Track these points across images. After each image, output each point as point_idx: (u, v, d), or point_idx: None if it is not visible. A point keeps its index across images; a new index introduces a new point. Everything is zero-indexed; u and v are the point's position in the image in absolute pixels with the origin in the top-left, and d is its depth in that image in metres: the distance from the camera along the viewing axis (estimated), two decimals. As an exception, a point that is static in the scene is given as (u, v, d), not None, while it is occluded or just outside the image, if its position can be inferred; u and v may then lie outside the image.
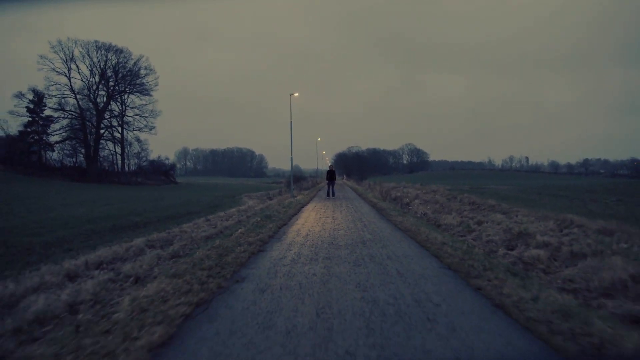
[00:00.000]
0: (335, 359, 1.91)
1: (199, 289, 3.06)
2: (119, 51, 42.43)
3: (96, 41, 41.21)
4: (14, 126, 39.21)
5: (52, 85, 39.51)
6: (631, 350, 1.85)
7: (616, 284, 3.44)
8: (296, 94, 18.21)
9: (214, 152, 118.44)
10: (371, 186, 25.17)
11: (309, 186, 28.50)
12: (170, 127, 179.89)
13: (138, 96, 44.81)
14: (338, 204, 12.77)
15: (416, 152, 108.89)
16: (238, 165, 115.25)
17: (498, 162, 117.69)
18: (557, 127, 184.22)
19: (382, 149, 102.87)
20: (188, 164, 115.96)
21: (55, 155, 42.36)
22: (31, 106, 39.08)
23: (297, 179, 28.79)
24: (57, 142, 41.72)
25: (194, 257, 4.29)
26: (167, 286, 3.10)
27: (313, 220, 8.03)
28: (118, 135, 45.14)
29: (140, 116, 45.14)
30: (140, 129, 45.53)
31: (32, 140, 40.22)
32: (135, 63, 43.59)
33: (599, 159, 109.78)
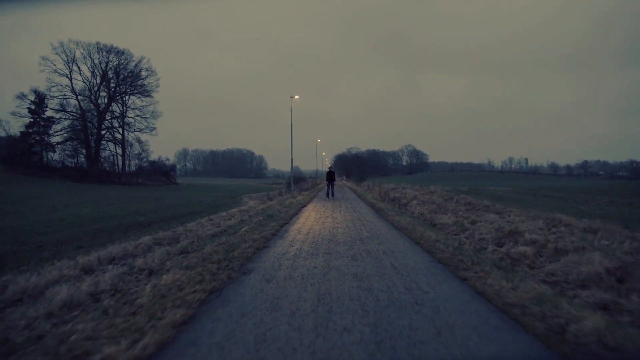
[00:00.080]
0: (334, 334, 2.22)
1: (211, 279, 3.37)
2: (120, 53, 42.84)
3: (97, 43, 41.63)
4: (16, 127, 39.57)
5: (54, 86, 39.91)
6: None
7: (592, 277, 3.76)
8: (296, 97, 18.56)
9: (213, 153, 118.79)
10: (370, 187, 25.49)
11: (308, 187, 28.81)
12: (170, 128, 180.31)
13: (139, 97, 45.22)
14: (337, 204, 13.09)
15: (415, 154, 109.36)
16: (238, 166, 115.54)
17: (497, 163, 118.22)
18: (557, 128, 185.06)
19: (381, 150, 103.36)
20: (188, 164, 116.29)
21: (56, 156, 42.67)
22: (33, 107, 39.37)
23: (297, 180, 29.11)
24: (58, 143, 42.02)
25: (203, 252, 4.60)
26: (182, 276, 3.42)
27: (313, 219, 8.35)
28: (119, 136, 45.49)
29: (141, 117, 45.53)
30: (141, 130, 45.91)
31: (33, 140, 40.49)
32: (136, 64, 44.01)
33: (599, 161, 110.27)
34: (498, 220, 7.57)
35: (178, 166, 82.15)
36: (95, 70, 42.25)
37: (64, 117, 41.74)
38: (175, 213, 15.39)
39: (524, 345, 2.10)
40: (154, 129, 45.99)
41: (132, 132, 45.89)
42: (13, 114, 38.01)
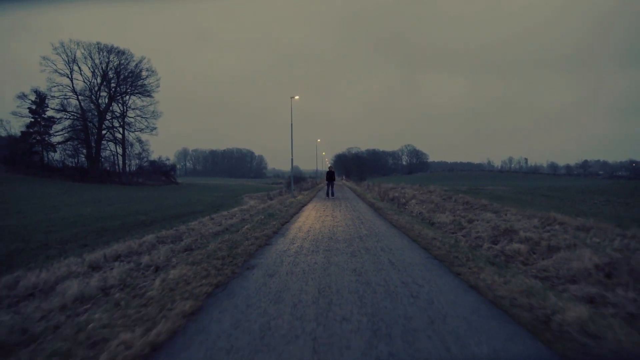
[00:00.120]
0: (334, 323, 2.38)
1: (216, 273, 3.53)
2: (120, 53, 42.97)
3: (98, 43, 41.75)
4: (17, 127, 39.68)
5: (55, 86, 40.03)
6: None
7: (582, 272, 3.92)
8: (297, 97, 18.70)
9: (213, 153, 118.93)
10: (370, 187, 25.65)
11: (308, 187, 28.96)
12: (170, 128, 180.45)
13: (139, 97, 45.36)
14: (337, 203, 13.24)
15: (415, 153, 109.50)
16: (237, 166, 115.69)
17: (497, 163, 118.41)
18: (557, 128, 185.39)
19: (381, 150, 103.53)
20: (188, 164, 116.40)
21: (57, 155, 42.78)
22: (33, 107, 39.49)
23: (297, 179, 29.27)
24: (59, 143, 42.14)
25: (207, 249, 4.75)
26: (188, 272, 3.57)
27: (314, 218, 8.51)
28: (119, 136, 45.62)
29: (142, 117, 45.66)
30: (141, 130, 46.05)
31: (34, 140, 40.61)
32: (136, 65, 44.15)
33: (598, 161, 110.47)
34: (495, 219, 7.72)
35: (178, 166, 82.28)
36: (96, 70, 42.42)
37: (65, 117, 41.89)
38: (177, 212, 15.54)
39: (510, 332, 2.25)
40: (155, 128, 46.19)
41: (132, 131, 46.08)
42: (14, 113, 38.17)
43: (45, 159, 41.64)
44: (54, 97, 40.48)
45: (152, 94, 45.44)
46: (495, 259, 4.69)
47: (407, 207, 11.67)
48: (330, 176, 17.15)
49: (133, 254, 6.03)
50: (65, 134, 42.03)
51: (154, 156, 49.89)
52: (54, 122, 41.43)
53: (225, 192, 32.50)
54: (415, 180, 39.28)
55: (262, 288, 3.15)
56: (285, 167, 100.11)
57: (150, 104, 45.57)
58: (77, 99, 41.87)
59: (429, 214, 9.48)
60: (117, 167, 46.03)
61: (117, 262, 5.34)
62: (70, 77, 40.87)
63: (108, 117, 44.46)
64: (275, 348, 2.05)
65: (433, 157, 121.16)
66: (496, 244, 5.57)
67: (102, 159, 44.54)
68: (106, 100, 43.79)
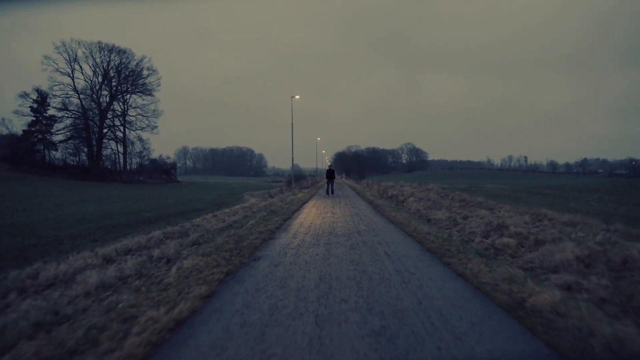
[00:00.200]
0: (334, 303, 2.70)
1: (226, 263, 3.84)
2: (121, 52, 43.18)
3: (99, 42, 41.97)
4: (18, 125, 39.94)
5: (56, 85, 40.28)
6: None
7: (564, 263, 4.24)
8: (297, 97, 18.99)
9: (213, 151, 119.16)
10: (369, 185, 25.96)
11: (308, 185, 29.29)
12: (170, 127, 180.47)
13: (140, 96, 45.62)
14: (337, 201, 13.56)
15: (415, 152, 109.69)
16: (238, 164, 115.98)
17: (497, 161, 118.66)
18: (557, 127, 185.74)
19: (381, 148, 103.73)
20: (188, 162, 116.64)
21: (58, 154, 43.09)
22: (35, 106, 39.75)
23: (297, 178, 29.58)
24: (60, 142, 42.41)
25: (215, 242, 5.07)
26: (200, 262, 3.89)
27: (314, 214, 8.83)
28: (120, 134, 45.90)
29: (143, 116, 45.94)
30: (142, 129, 46.33)
31: (36, 139, 40.88)
32: (137, 63, 44.37)
33: (598, 159, 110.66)
34: (488, 216, 8.02)
35: (178, 164, 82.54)
36: (97, 69, 42.66)
37: (66, 115, 42.17)
38: (180, 210, 15.86)
39: (488, 310, 2.57)
40: (156, 127, 46.47)
41: (133, 130, 46.36)
42: (16, 112, 38.43)
43: (47, 157, 41.95)
44: (56, 96, 40.78)
45: (153, 93, 45.75)
46: (485, 251, 5.00)
47: (405, 204, 11.98)
48: (330, 174, 17.46)
49: (143, 248, 6.34)
50: (67, 133, 42.34)
51: (154, 155, 50.27)
52: (56, 121, 41.73)
53: (226, 190, 32.82)
54: (415, 179, 39.59)
55: (268, 276, 3.47)
56: (285, 166, 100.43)
57: (151, 103, 45.88)
58: (79, 98, 42.17)
59: (426, 211, 9.79)
60: (118, 165, 46.34)
61: (128, 255, 5.65)
62: (71, 76, 41.16)
63: (109, 116, 44.74)
64: (283, 323, 2.36)
65: (433, 155, 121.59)
66: (487, 238, 5.88)
67: (104, 158, 44.83)
68: (107, 99, 44.06)
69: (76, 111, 42.44)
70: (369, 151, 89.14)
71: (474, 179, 55.71)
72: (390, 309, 2.57)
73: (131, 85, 44.74)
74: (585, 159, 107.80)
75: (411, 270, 3.60)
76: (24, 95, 38.57)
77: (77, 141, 43.17)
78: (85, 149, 43.42)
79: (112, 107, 44.57)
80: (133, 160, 48.33)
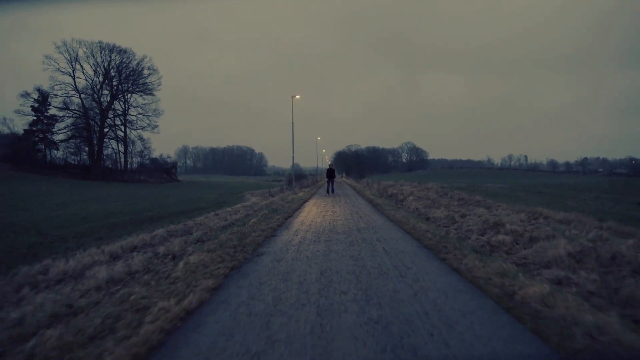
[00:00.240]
0: (334, 295, 2.86)
1: (230, 259, 4.01)
2: (122, 51, 43.30)
3: (100, 42, 42.09)
4: (20, 125, 40.11)
5: (57, 84, 40.43)
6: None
7: (556, 259, 4.40)
8: (298, 97, 19.14)
9: (213, 151, 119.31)
10: (369, 184, 26.12)
11: (309, 184, 29.46)
12: (170, 127, 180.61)
13: (141, 95, 45.72)
14: (337, 200, 13.72)
15: (415, 151, 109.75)
16: (238, 163, 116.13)
17: (497, 161, 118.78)
18: (557, 127, 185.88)
19: (381, 147, 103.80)
20: (188, 162, 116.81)
21: (59, 153, 43.24)
22: (36, 105, 39.89)
23: (297, 177, 29.74)
24: (61, 141, 42.55)
25: (219, 239, 5.23)
26: (205, 258, 4.05)
27: (315, 213, 8.99)
28: (121, 134, 46.03)
29: (143, 115, 46.05)
30: (143, 128, 46.46)
31: (37, 138, 41.04)
32: (138, 63, 44.50)
33: (598, 158, 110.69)
34: (486, 214, 8.18)
35: (178, 163, 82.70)
36: (98, 69, 42.79)
37: (67, 115, 42.30)
38: (181, 209, 16.01)
39: (479, 301, 2.73)
40: (156, 126, 46.60)
41: (134, 129, 46.49)
42: (17, 112, 38.56)
43: (48, 157, 42.12)
44: (57, 95, 40.93)
45: (154, 92, 45.87)
46: (480, 248, 5.16)
47: (404, 203, 12.13)
48: (330, 173, 17.62)
49: (147, 245, 6.50)
50: (68, 132, 42.47)
51: (155, 154, 50.41)
52: (57, 120, 41.86)
53: (226, 190, 32.99)
54: (415, 178, 39.74)
55: (271, 270, 3.63)
56: (285, 165, 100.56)
57: (152, 102, 46.00)
58: (80, 97, 42.31)
59: (425, 209, 9.94)
60: (119, 164, 46.50)
61: (134, 252, 5.81)
62: (72, 75, 41.30)
63: (110, 115, 44.88)
64: (287, 312, 2.52)
65: (433, 154, 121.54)
66: (484, 236, 6.04)
67: (104, 157, 44.98)
68: (108, 98, 44.20)
69: (77, 110, 42.61)
70: (369, 150, 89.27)
71: (474, 178, 55.84)
72: (387, 300, 2.73)
73: (132, 84, 44.88)
74: (586, 158, 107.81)
75: (408, 265, 3.76)
76: (25, 94, 38.74)
77: (78, 140, 43.32)
78: (86, 149, 43.58)
79: (113, 106, 44.73)
80: (134, 159, 48.52)
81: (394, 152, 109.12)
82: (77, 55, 40.76)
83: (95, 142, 43.23)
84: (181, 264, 3.75)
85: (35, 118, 40.15)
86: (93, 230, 9.48)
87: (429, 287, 3.04)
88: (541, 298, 2.89)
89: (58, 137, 42.33)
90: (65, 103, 41.65)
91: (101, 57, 42.44)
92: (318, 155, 52.83)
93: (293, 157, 19.59)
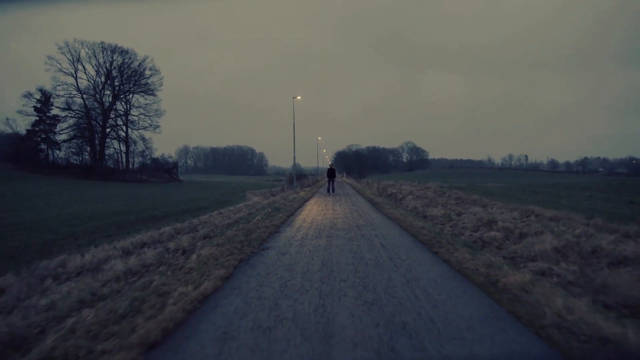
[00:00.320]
0: (335, 282, 3.18)
1: (238, 252, 4.33)
2: (124, 52, 43.69)
3: (102, 42, 42.48)
4: (22, 125, 40.49)
5: (59, 85, 40.84)
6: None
7: (542, 253, 4.71)
8: (298, 97, 19.46)
9: (214, 150, 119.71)
10: (369, 184, 26.44)
11: (309, 183, 29.78)
12: (171, 127, 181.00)
13: (143, 96, 46.13)
14: (337, 199, 14.04)
15: (416, 151, 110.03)
16: (238, 163, 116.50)
17: (497, 160, 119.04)
18: (557, 127, 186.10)
19: (381, 147, 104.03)
20: (189, 161, 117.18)
21: (61, 153, 43.66)
22: (38, 106, 40.27)
23: (298, 176, 30.07)
24: (63, 141, 42.97)
25: (226, 235, 5.55)
26: (215, 251, 4.37)
27: (316, 211, 9.31)
28: (123, 134, 46.44)
29: (145, 115, 46.47)
30: (144, 128, 46.87)
31: (39, 139, 41.42)
32: (140, 63, 44.89)
33: (598, 158, 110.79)
34: (481, 212, 8.48)
35: (179, 163, 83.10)
36: (100, 69, 43.19)
37: (69, 115, 42.72)
38: (184, 208, 16.34)
39: (465, 288, 3.04)
40: (158, 126, 47.01)
41: (136, 129, 46.90)
42: (19, 112, 38.96)
43: (51, 156, 42.53)
44: (59, 95, 41.34)
45: (156, 93, 46.24)
46: (473, 244, 5.46)
47: (403, 202, 12.45)
48: (330, 173, 17.94)
49: (157, 242, 6.81)
50: (70, 132, 42.89)
51: (156, 154, 50.78)
52: (59, 121, 42.28)
53: (228, 189, 33.34)
54: (415, 178, 40.00)
55: (277, 262, 3.95)
56: (286, 165, 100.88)
57: (154, 102, 46.41)
58: (82, 98, 42.71)
59: (423, 208, 10.25)
60: (120, 164, 46.88)
61: (144, 248, 6.13)
62: (74, 76, 41.69)
63: (112, 116, 45.27)
64: (292, 296, 2.84)
65: (433, 154, 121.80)
66: (476, 232, 6.35)
67: (106, 157, 45.38)
68: (110, 98, 44.59)
69: (79, 111, 42.99)
70: (370, 150, 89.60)
71: (474, 178, 56.14)
72: (382, 286, 3.05)
73: (134, 85, 45.26)
74: (586, 158, 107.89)
75: (403, 257, 4.08)
76: (28, 95, 39.14)
77: (80, 140, 43.72)
78: (88, 149, 43.98)
79: (114, 106, 45.11)
80: (135, 159, 48.94)
81: (394, 152, 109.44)
82: (79, 55, 41.19)
83: (97, 142, 43.61)
84: (194, 257, 4.07)
85: (37, 118, 40.57)
86: (101, 228, 9.80)
87: (420, 276, 3.36)
88: (522, 286, 3.20)
89: (60, 137, 42.80)
90: (67, 103, 42.10)
91: (103, 57, 42.86)
92: (318, 155, 53.15)
93: (294, 157, 19.94)
